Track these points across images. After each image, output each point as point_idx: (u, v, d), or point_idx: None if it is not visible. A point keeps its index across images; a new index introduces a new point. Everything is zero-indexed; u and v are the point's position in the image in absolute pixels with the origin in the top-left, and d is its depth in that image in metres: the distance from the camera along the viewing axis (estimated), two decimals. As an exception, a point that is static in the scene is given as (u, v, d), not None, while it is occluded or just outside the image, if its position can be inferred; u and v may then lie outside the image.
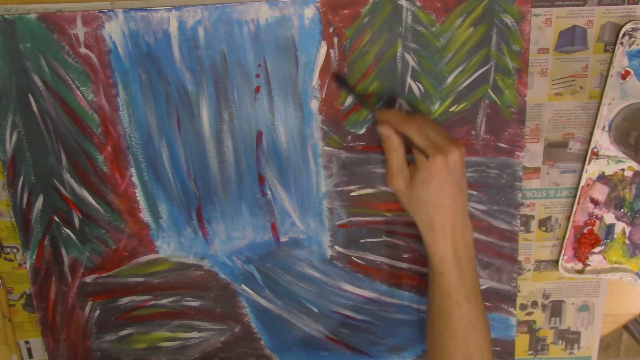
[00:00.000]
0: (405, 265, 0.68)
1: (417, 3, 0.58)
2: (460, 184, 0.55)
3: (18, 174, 0.64)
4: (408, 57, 0.60)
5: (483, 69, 0.61)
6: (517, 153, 0.63)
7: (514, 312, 0.69)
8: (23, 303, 0.71)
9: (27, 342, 0.73)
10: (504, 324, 0.70)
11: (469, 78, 0.61)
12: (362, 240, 0.67)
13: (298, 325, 0.70)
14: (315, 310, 0.70)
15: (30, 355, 0.73)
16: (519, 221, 0.66)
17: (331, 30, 0.59)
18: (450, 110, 0.62)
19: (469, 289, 0.57)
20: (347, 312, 0.70)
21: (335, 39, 0.60)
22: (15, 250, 0.69)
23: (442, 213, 0.55)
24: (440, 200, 0.55)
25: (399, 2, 0.58)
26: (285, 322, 0.70)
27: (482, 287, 0.68)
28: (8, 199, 0.65)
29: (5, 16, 0.58)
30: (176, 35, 0.59)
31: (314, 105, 0.62)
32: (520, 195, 0.65)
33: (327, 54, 0.60)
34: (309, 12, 0.59)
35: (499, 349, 0.71)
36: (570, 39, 0.61)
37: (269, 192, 0.65)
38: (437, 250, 0.56)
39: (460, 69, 0.61)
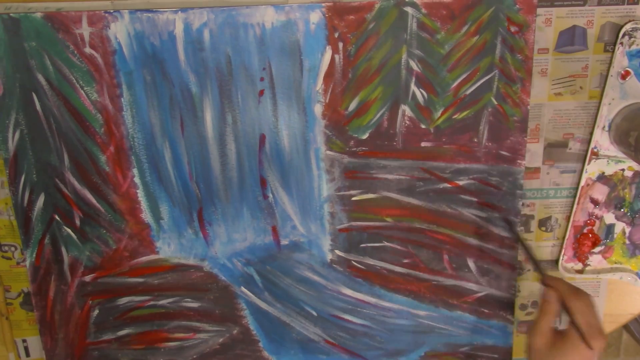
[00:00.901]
0: (404, 270, 0.68)
1: (423, 10, 0.59)
2: None
3: (20, 172, 0.64)
4: (412, 63, 0.61)
5: (487, 77, 0.61)
6: (518, 161, 0.64)
7: (512, 319, 0.70)
8: (21, 301, 0.71)
9: (24, 341, 0.73)
10: (502, 331, 0.70)
11: (472, 86, 0.61)
12: (362, 245, 0.67)
13: (297, 328, 0.70)
14: (314, 313, 0.70)
15: (27, 353, 0.73)
16: (519, 228, 0.66)
17: (336, 35, 0.59)
18: (454, 117, 0.62)
19: None
20: (346, 316, 0.70)
21: (341, 44, 0.60)
22: (13, 249, 0.68)
23: None
24: None
25: (405, 8, 0.59)
26: (284, 324, 0.70)
27: (480, 294, 0.68)
28: (7, 197, 0.65)
29: (11, 14, 0.58)
30: (181, 37, 0.59)
31: (318, 109, 0.62)
32: (521, 203, 0.65)
33: (332, 59, 0.60)
34: (315, 16, 0.59)
35: (496, 355, 0.71)
36: (570, 39, 0.61)
37: (270, 195, 0.65)
38: None
39: (464, 76, 0.61)
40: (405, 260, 0.68)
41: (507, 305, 0.69)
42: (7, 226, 0.67)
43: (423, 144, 0.64)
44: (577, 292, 0.58)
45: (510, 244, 0.67)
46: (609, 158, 0.65)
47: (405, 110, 0.62)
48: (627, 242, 0.69)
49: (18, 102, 0.61)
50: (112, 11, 0.58)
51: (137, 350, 0.71)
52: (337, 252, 0.67)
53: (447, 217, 0.66)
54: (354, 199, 0.65)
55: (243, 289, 0.69)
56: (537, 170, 0.66)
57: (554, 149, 0.65)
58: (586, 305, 0.57)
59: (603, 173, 0.66)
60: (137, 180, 0.64)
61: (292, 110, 0.62)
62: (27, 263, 0.67)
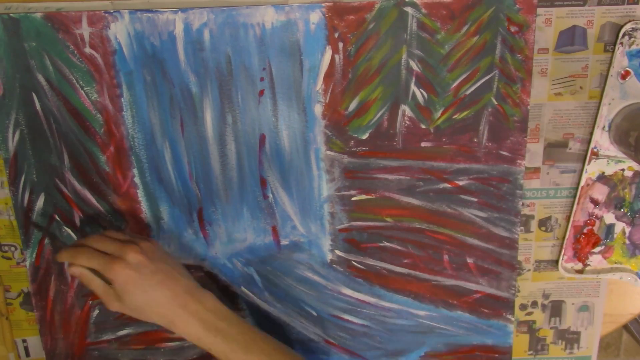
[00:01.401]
0: (404, 270, 0.68)
1: (423, 10, 0.59)
2: (160, 270, 0.56)
3: (20, 173, 0.64)
4: (412, 63, 0.61)
5: (487, 77, 0.61)
6: (518, 161, 0.64)
7: (512, 319, 0.70)
8: (21, 301, 0.71)
9: (24, 341, 0.73)
10: (502, 331, 0.70)
11: (472, 86, 0.61)
12: (362, 245, 0.67)
13: (297, 329, 0.70)
14: (314, 313, 0.70)
15: (27, 353, 0.73)
16: (519, 229, 0.66)
17: (336, 35, 0.59)
18: (454, 117, 0.62)
19: (242, 344, 0.56)
20: (346, 316, 0.70)
21: (341, 44, 0.60)
22: (13, 249, 0.68)
23: (164, 304, 0.55)
24: (153, 296, 0.55)
25: (405, 8, 0.59)
26: (284, 325, 0.70)
27: (480, 294, 0.68)
28: (7, 197, 0.65)
29: (11, 14, 0.58)
30: (181, 37, 0.59)
31: (318, 109, 0.62)
32: (521, 203, 0.65)
33: (332, 59, 0.60)
34: (315, 17, 0.59)
35: (496, 355, 0.71)
36: (570, 39, 0.61)
37: (270, 195, 0.65)
38: (190, 335, 0.56)
39: (464, 76, 0.61)
40: (405, 260, 0.68)
41: (507, 305, 0.69)
42: (7, 226, 0.67)
43: (423, 144, 0.64)
44: (74, 249, 0.57)
45: (511, 244, 0.67)
46: (609, 158, 0.65)
47: (405, 110, 0.62)
48: (627, 242, 0.69)
49: (18, 102, 0.61)
50: (112, 11, 0.58)
51: (137, 350, 0.71)
52: (337, 252, 0.67)
53: (447, 217, 0.66)
54: (354, 199, 0.65)
55: (243, 289, 0.69)
56: (537, 170, 0.66)
57: (554, 149, 0.65)
58: (84, 252, 0.56)
59: (603, 173, 0.66)
60: (137, 180, 0.64)
61: (292, 110, 0.62)
62: (27, 263, 0.67)
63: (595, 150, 0.65)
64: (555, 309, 0.72)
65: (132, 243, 0.56)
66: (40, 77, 0.60)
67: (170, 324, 0.56)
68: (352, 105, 0.62)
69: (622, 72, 0.62)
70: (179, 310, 0.56)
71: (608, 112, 0.63)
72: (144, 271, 0.55)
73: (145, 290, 0.55)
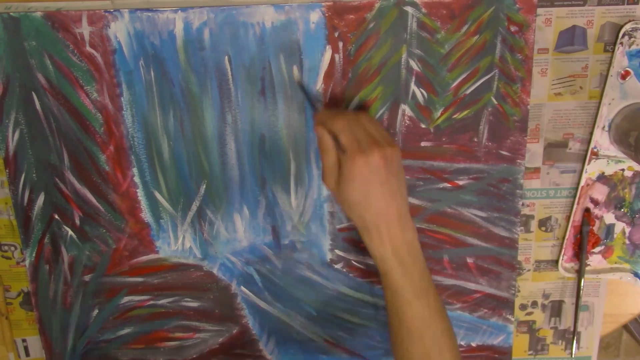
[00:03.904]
0: (404, 270, 0.68)
1: (423, 10, 0.59)
2: (388, 183, 0.54)
3: (20, 172, 0.64)
4: (412, 63, 0.61)
5: (487, 77, 0.61)
6: (518, 161, 0.64)
7: (512, 319, 0.70)
8: (20, 301, 0.71)
9: (24, 341, 0.73)
10: (502, 331, 0.70)
11: (472, 85, 0.61)
12: (362, 245, 0.67)
13: (296, 328, 0.70)
14: (314, 313, 0.70)
15: (27, 353, 0.73)
16: (519, 228, 0.66)
17: (336, 34, 0.59)
18: (454, 117, 0.62)
19: (416, 287, 0.56)
20: (346, 316, 0.70)
21: (341, 44, 0.60)
22: (13, 248, 0.68)
23: (373, 213, 0.55)
24: (369, 201, 0.54)
25: (405, 8, 0.59)
26: (284, 324, 0.70)
27: (480, 294, 0.68)
28: (7, 196, 0.65)
29: (11, 14, 0.58)
30: (181, 37, 0.59)
31: (318, 109, 0.62)
32: (521, 203, 0.65)
33: (332, 59, 0.60)
34: (315, 16, 0.59)
35: (496, 355, 0.71)
36: (570, 39, 0.61)
37: (270, 195, 0.65)
38: (376, 251, 0.56)
39: (464, 76, 0.61)
40: (405, 260, 0.67)
41: (507, 305, 0.69)
42: (7, 225, 0.67)
43: (423, 144, 0.64)
44: (337, 114, 0.56)
45: (511, 244, 0.67)
46: (609, 158, 0.65)
47: (405, 109, 0.62)
48: (627, 242, 0.69)
49: (18, 102, 0.61)
50: (112, 10, 0.58)
51: (137, 350, 0.71)
52: (336, 251, 0.67)
53: (447, 217, 0.66)
54: (353, 198, 0.65)
55: (243, 288, 0.69)
56: (537, 170, 0.66)
57: (554, 149, 0.65)
58: (347, 123, 0.55)
59: (603, 173, 0.66)
60: (137, 179, 0.64)
61: (292, 109, 0.62)
62: (27, 263, 0.67)
63: (595, 150, 0.65)
64: (555, 309, 0.72)
65: (381, 145, 0.54)
66: (40, 77, 0.60)
67: (364, 231, 0.56)
68: (352, 105, 0.62)
69: (622, 72, 0.62)
70: (381, 227, 0.55)
71: (608, 112, 0.63)
72: (375, 177, 0.53)
73: (365, 195, 0.54)
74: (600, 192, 0.67)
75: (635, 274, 0.70)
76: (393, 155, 0.54)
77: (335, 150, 0.55)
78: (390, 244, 0.55)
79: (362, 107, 0.62)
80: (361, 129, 0.55)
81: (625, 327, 1.28)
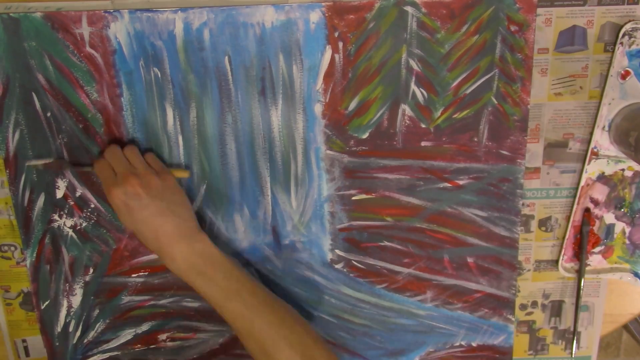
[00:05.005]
0: (405, 269, 0.68)
1: (423, 9, 0.59)
2: (153, 205, 0.57)
3: (20, 172, 0.64)
4: (412, 63, 0.61)
5: (487, 77, 0.61)
6: (518, 160, 0.64)
7: (513, 319, 0.70)
8: (20, 301, 0.71)
9: (24, 341, 0.73)
10: (503, 331, 0.70)
11: (472, 85, 0.61)
12: (362, 245, 0.67)
13: (297, 328, 0.70)
14: (315, 313, 0.70)
15: (27, 353, 0.73)
16: (519, 228, 0.66)
17: (336, 34, 0.59)
18: (454, 117, 0.62)
19: (225, 291, 0.58)
20: (347, 316, 0.70)
21: (341, 44, 0.60)
22: (13, 248, 0.68)
23: (150, 237, 0.57)
24: (142, 227, 0.57)
25: (405, 8, 0.59)
26: (284, 324, 0.70)
27: (480, 294, 0.68)
28: (7, 196, 0.65)
29: (11, 14, 0.58)
30: (181, 37, 0.59)
31: (318, 109, 0.62)
32: (521, 202, 0.65)
33: (332, 59, 0.60)
34: (315, 16, 0.59)
35: (497, 355, 0.71)
36: (570, 39, 0.61)
37: (270, 195, 0.65)
38: (173, 268, 0.58)
39: (464, 75, 0.61)
40: (406, 260, 0.68)
41: (508, 305, 0.69)
42: (7, 226, 0.67)
43: (423, 144, 0.64)
44: (99, 159, 0.60)
45: (511, 244, 0.67)
46: (609, 158, 0.65)
47: (406, 109, 0.62)
48: (627, 242, 0.69)
49: (18, 102, 0.61)
50: (112, 11, 0.58)
51: (137, 350, 0.71)
52: (337, 251, 0.67)
53: (447, 217, 0.66)
54: (354, 198, 0.65)
55: (243, 288, 0.69)
56: (537, 170, 0.66)
57: (554, 149, 0.65)
58: (102, 165, 0.59)
59: (603, 173, 0.66)
60: (137, 180, 0.64)
61: (292, 109, 0.62)
62: (27, 263, 0.67)
63: (595, 150, 0.65)
64: (555, 309, 0.72)
65: (139, 174, 0.58)
66: (40, 77, 0.60)
67: (158, 254, 0.58)
68: (352, 105, 0.62)
69: (622, 72, 0.62)
70: (163, 246, 0.57)
71: (608, 112, 0.63)
72: (134, 204, 0.56)
73: (133, 221, 0.57)
74: (600, 192, 0.67)
75: (635, 274, 0.70)
76: (155, 182, 0.57)
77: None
78: (181, 259, 0.58)
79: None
80: (118, 162, 0.58)
81: (625, 327, 1.28)
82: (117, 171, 0.58)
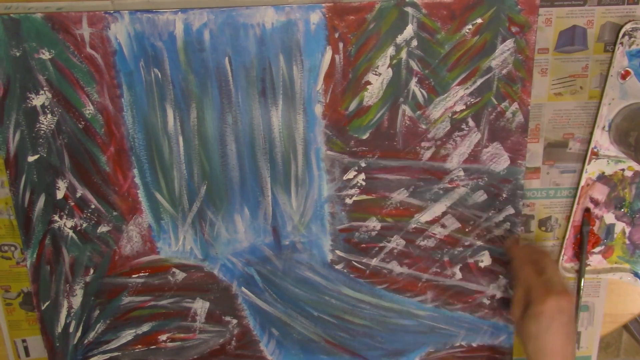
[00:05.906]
0: (405, 270, 0.68)
1: (423, 10, 0.59)
2: (568, 326, 0.58)
3: (20, 173, 0.64)
4: (413, 63, 0.60)
5: (487, 77, 0.61)
6: (519, 161, 0.64)
7: (513, 319, 0.70)
8: (20, 301, 0.71)
9: (24, 341, 0.73)
10: (503, 331, 0.70)
11: (472, 85, 0.61)
12: (362, 245, 0.67)
13: (297, 329, 0.70)
14: (315, 313, 0.70)
15: (27, 353, 0.73)
16: (519, 228, 0.66)
17: (337, 35, 0.59)
18: (454, 117, 0.62)
19: None
20: (347, 316, 0.70)
21: (341, 44, 0.60)
22: (13, 249, 0.68)
23: (549, 350, 0.58)
24: (549, 338, 0.57)
25: (405, 9, 0.59)
26: (285, 325, 0.70)
27: (480, 295, 0.68)
28: (7, 196, 0.65)
29: (11, 15, 0.58)
30: (182, 38, 0.59)
31: (318, 109, 0.62)
32: (522, 203, 0.65)
33: (332, 59, 0.60)
34: (315, 17, 0.59)
35: (497, 355, 0.71)
36: (570, 39, 0.61)
37: (270, 195, 0.65)
38: None
39: (464, 76, 0.61)
40: (406, 261, 0.68)
41: (507, 305, 0.69)
42: (7, 226, 0.67)
43: (423, 144, 0.64)
44: (540, 251, 0.62)
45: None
46: (609, 158, 0.65)
47: (405, 109, 0.62)
48: (627, 242, 0.69)
49: (18, 102, 0.61)
50: (112, 12, 0.58)
51: (137, 350, 0.71)
52: (337, 252, 0.67)
53: (447, 218, 0.66)
54: (354, 199, 0.65)
55: (243, 289, 0.69)
56: (537, 170, 0.66)
57: (554, 149, 0.65)
58: (550, 262, 0.61)
59: (603, 173, 0.66)
60: (137, 180, 0.64)
61: (292, 110, 0.62)
62: (28, 263, 0.67)
63: (595, 150, 0.65)
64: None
65: (567, 291, 0.58)
66: (41, 78, 0.60)
67: None
68: (352, 105, 0.62)
69: (622, 72, 0.62)
70: None
71: (608, 112, 0.63)
72: (559, 318, 0.57)
73: (547, 331, 0.57)
74: (600, 192, 0.67)
75: (635, 274, 0.70)
76: (571, 303, 0.58)
77: (522, 283, 0.60)
78: None
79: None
80: (555, 271, 0.60)
81: (625, 327, 1.28)
82: (551, 276, 0.59)
